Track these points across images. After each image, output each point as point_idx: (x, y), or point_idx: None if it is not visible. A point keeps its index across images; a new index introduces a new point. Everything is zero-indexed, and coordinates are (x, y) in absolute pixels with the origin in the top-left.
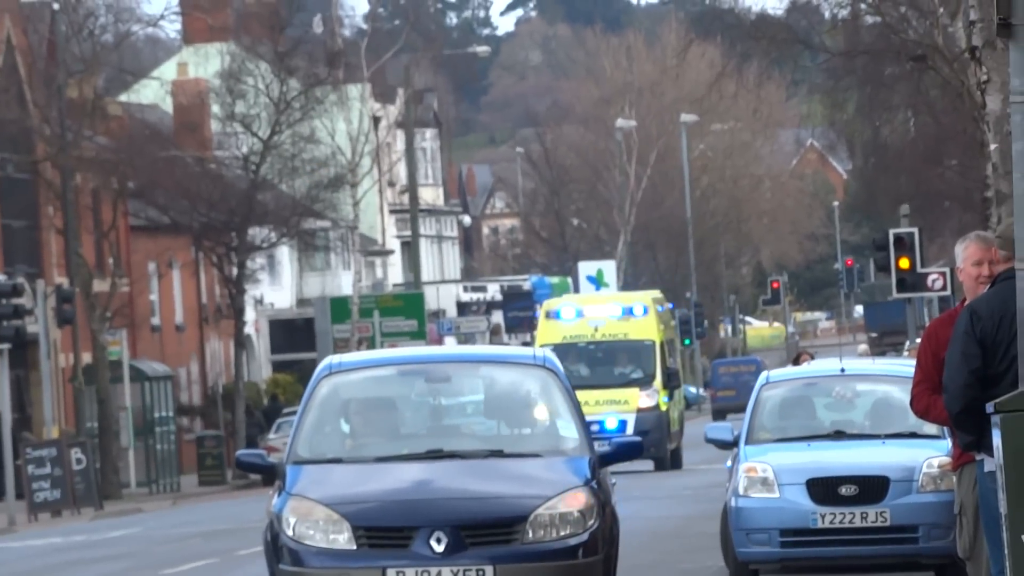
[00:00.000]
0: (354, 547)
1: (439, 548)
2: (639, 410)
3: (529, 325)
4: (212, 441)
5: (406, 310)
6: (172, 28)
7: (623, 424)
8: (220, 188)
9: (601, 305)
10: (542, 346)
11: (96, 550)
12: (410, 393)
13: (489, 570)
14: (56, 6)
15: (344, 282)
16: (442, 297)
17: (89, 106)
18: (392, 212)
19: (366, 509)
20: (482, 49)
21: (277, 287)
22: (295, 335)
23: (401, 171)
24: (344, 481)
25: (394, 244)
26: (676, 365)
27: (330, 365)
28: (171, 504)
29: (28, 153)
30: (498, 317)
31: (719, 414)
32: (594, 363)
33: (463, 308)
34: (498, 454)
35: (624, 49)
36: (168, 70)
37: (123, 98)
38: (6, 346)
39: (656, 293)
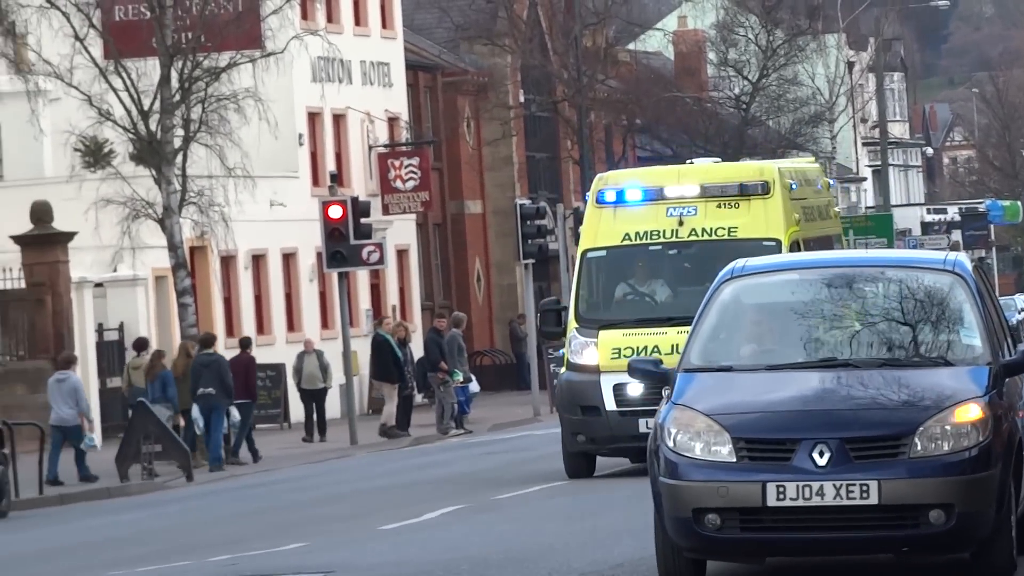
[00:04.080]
0: (734, 459)
1: (822, 461)
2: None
3: (984, 243)
4: None
5: (877, 229)
6: None
7: None
8: (715, 124)
9: (690, 182)
10: (586, 252)
11: None
12: (810, 299)
13: (873, 486)
14: None
15: None
16: (908, 218)
17: (602, 53)
18: (864, 144)
19: (748, 420)
20: (942, 3)
21: None
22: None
23: (872, 109)
24: (731, 390)
25: (866, 172)
26: None
27: (732, 269)
28: None
29: (549, 95)
30: (957, 235)
31: None
32: (676, 280)
33: (926, 228)
34: (894, 363)
35: None
36: (670, 22)
37: (631, 47)
38: (530, 261)
39: (799, 161)
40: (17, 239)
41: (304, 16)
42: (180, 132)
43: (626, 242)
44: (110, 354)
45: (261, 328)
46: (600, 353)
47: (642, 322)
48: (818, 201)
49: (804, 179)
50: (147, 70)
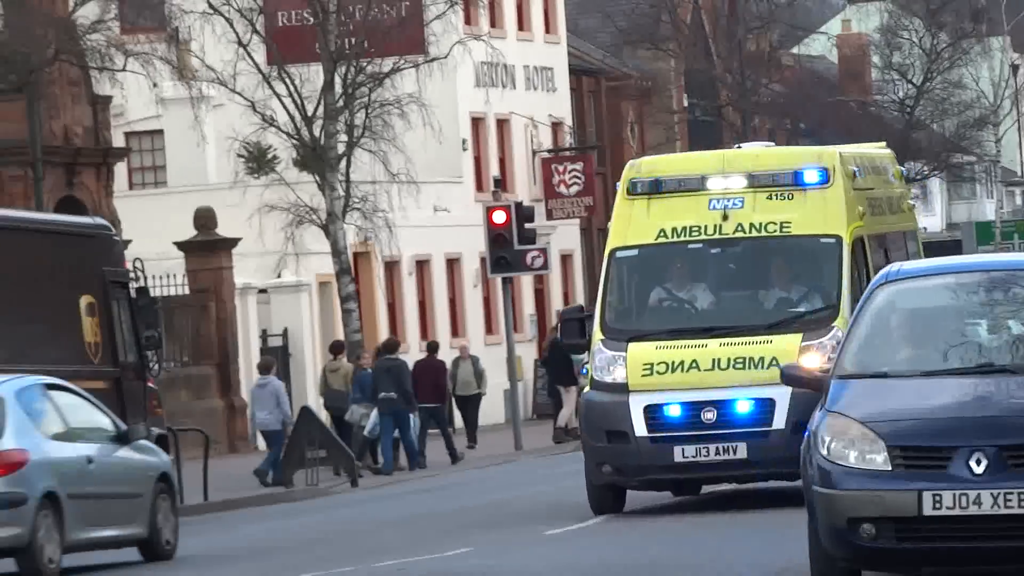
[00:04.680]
0: (889, 468)
1: (979, 469)
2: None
3: None
4: None
5: None
6: None
7: (763, 408)
8: (879, 128)
9: (736, 170)
10: (614, 251)
11: None
12: (967, 303)
13: None
14: None
15: (988, 208)
16: None
17: (765, 57)
18: None
19: (904, 427)
20: None
21: (929, 213)
22: (945, 255)
23: None
24: (886, 397)
25: None
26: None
27: (887, 274)
28: None
29: (713, 99)
30: None
31: None
32: (719, 284)
33: None
34: None
35: None
36: (834, 26)
37: (795, 51)
38: None
39: (866, 146)
40: (181, 245)
41: (467, 21)
42: (343, 138)
43: (661, 239)
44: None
45: (424, 334)
46: (629, 369)
47: (679, 333)
48: (888, 192)
49: (871, 166)
50: (310, 76)
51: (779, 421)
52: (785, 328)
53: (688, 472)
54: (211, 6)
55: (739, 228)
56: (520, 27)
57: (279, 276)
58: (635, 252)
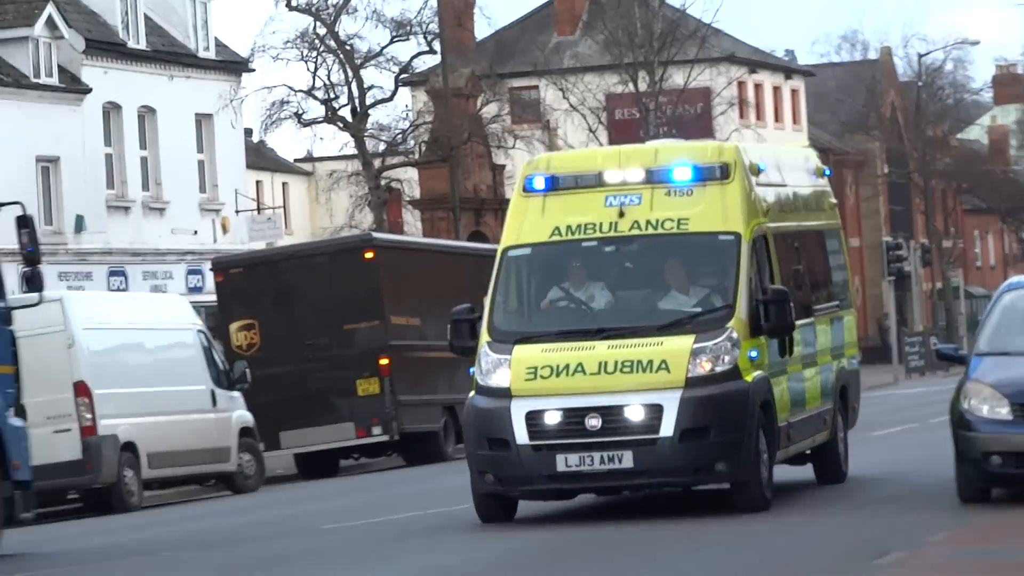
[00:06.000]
0: (1011, 418)
1: None
2: (689, 383)
3: None
4: None
5: None
6: (987, 95)
7: (650, 414)
8: (1015, 187)
9: (633, 166)
10: (507, 250)
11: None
12: None
13: None
14: (920, 84)
15: None
16: None
17: (940, 141)
18: None
19: (1022, 389)
20: None
21: None
22: None
23: None
24: (1009, 369)
25: None
26: (812, 282)
27: (1009, 284)
28: None
29: (905, 168)
30: None
31: None
32: (614, 283)
33: None
34: None
35: None
36: (985, 119)
37: (960, 135)
38: (892, 278)
39: (781, 146)
40: None
41: (741, 116)
42: None
43: (555, 238)
44: None
45: None
46: (513, 373)
47: (567, 335)
48: (804, 188)
49: (782, 162)
50: None
51: (667, 428)
52: (678, 329)
53: (572, 482)
54: (572, 106)
55: (635, 225)
56: (776, 119)
57: None
58: (527, 251)
